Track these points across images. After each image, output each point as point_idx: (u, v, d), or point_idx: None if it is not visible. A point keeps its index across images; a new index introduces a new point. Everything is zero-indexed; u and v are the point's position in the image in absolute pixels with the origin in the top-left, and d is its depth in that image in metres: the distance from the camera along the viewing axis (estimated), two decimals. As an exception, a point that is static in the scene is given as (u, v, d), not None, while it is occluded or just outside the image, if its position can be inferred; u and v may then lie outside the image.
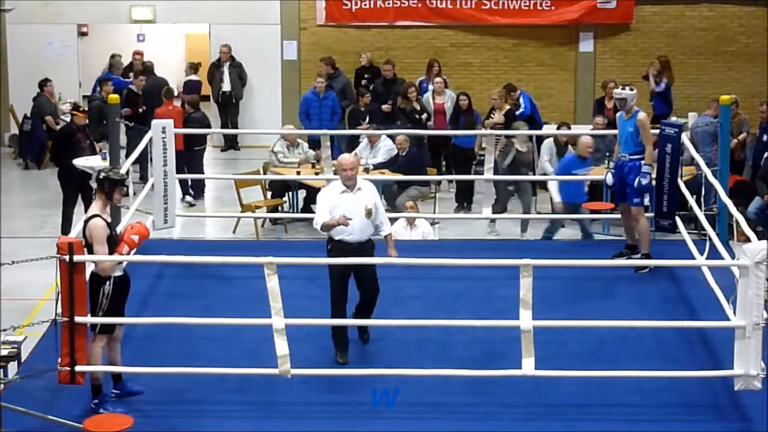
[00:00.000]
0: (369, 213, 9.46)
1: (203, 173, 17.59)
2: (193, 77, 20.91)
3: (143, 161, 15.24)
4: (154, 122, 12.18)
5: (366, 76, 19.66)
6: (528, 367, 8.56)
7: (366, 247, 9.49)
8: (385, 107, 18.17)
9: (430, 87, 18.20)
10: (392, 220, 11.75)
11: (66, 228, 14.65)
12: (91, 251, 8.63)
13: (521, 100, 17.49)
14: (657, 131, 11.62)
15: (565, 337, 9.54)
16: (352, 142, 17.32)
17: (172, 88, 18.29)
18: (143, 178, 16.35)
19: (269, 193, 16.18)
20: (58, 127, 18.04)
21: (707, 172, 11.59)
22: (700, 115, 16.91)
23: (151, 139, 11.89)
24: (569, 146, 15.18)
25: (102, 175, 8.84)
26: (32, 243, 14.75)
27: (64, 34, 21.28)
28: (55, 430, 8.44)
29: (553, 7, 20.63)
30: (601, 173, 12.52)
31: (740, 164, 16.36)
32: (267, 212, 16.18)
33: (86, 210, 9.44)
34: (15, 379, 9.09)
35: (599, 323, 9.42)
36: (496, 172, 13.73)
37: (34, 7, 20.79)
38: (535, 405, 8.86)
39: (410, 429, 8.65)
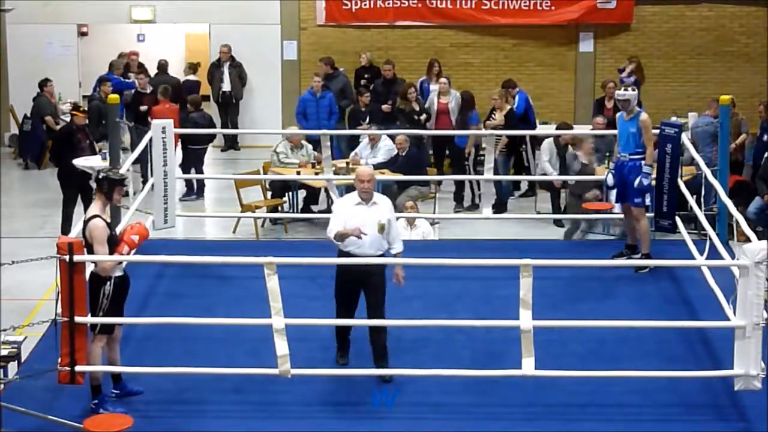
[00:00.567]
0: (382, 228, 9.28)
1: (203, 173, 17.60)
2: (191, 77, 20.92)
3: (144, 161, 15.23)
4: (154, 122, 12.18)
5: (366, 76, 19.64)
6: (528, 367, 8.56)
7: (375, 270, 9.25)
8: (385, 107, 18.14)
9: (433, 87, 18.19)
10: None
11: (66, 228, 14.63)
12: (91, 251, 8.63)
13: (516, 97, 17.47)
14: (657, 131, 11.62)
15: (565, 337, 9.54)
16: (352, 142, 17.32)
17: (169, 87, 18.29)
18: (145, 178, 16.34)
19: (269, 193, 16.17)
20: (58, 127, 18.03)
21: (707, 172, 11.59)
22: (700, 115, 16.89)
23: (151, 139, 11.90)
24: (569, 146, 15.19)
25: (102, 175, 8.85)
26: (32, 243, 14.74)
27: (64, 34, 21.26)
28: (55, 430, 8.43)
29: (553, 7, 20.61)
30: (602, 173, 12.52)
31: (740, 165, 16.36)
32: (267, 212, 16.16)
33: (86, 210, 9.43)
34: (15, 379, 9.08)
35: (599, 323, 9.42)
36: (496, 172, 13.71)
37: (34, 7, 20.78)
38: (535, 405, 8.86)
39: (410, 429, 8.65)
